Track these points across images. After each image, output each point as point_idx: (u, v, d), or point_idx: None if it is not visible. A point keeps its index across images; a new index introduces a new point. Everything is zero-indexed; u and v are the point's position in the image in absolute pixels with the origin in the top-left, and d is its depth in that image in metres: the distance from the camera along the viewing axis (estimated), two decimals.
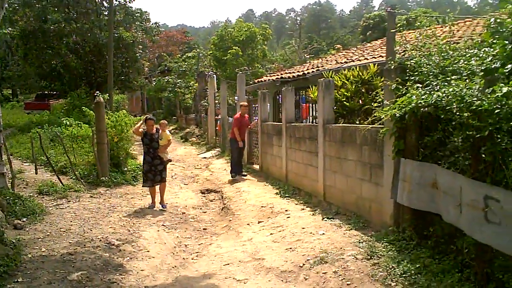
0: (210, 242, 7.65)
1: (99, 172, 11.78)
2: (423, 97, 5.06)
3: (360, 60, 11.68)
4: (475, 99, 4.27)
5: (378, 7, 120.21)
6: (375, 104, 8.49)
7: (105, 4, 26.23)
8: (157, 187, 9.89)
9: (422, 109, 5.11)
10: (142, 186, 10.25)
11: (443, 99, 4.67)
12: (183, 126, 28.98)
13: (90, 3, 25.61)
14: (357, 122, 8.45)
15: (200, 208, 10.24)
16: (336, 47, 40.94)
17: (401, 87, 5.78)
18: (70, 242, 6.95)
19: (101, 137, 11.97)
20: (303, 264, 5.86)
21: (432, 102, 4.82)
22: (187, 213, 9.67)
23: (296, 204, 8.91)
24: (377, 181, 6.57)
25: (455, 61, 5.50)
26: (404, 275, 4.96)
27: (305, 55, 35.77)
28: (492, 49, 5.28)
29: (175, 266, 6.55)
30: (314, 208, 8.37)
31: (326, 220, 7.41)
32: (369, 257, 5.58)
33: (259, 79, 18.51)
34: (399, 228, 5.94)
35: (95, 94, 18.82)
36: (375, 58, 10.63)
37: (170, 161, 10.44)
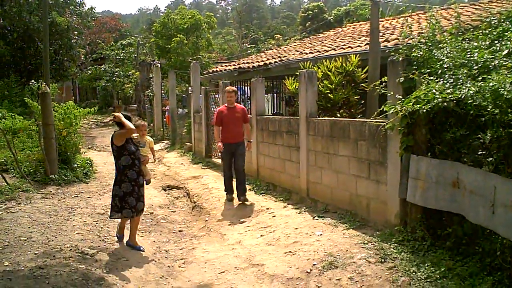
0: (192, 247, 7.05)
1: (47, 169, 10.70)
2: (447, 91, 4.78)
3: (327, 51, 11.41)
4: None
5: None
6: (356, 97, 8.33)
7: None
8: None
9: (441, 104, 4.84)
10: (112, 217, 6.62)
11: (476, 94, 4.41)
12: None
13: None
14: (338, 115, 8.17)
15: (168, 207, 9.55)
16: (276, 37, 41.00)
17: (411, 80, 5.50)
18: (35, 254, 6.06)
19: (49, 131, 10.87)
20: (311, 270, 5.45)
21: (462, 97, 4.54)
22: (155, 213, 8.95)
23: (275, 201, 8.49)
24: (377, 178, 6.28)
25: (469, 53, 5.28)
26: (428, 280, 4.68)
27: (246, 44, 35.35)
28: (509, 42, 5.13)
29: (163, 276, 5.91)
30: (297, 205, 7.99)
31: (317, 219, 7.04)
32: (382, 260, 5.27)
33: (214, 69, 17.84)
34: (407, 227, 5.69)
35: (29, 83, 17.32)
36: (352, 48, 10.36)
37: (149, 182, 7.36)
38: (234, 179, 8.83)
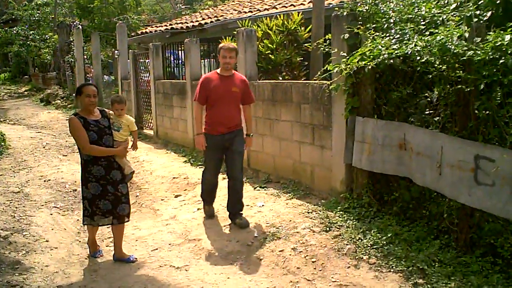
0: None
1: None
2: (393, 47, 4.85)
3: (268, 10, 11.33)
4: (466, 49, 4.13)
5: None
6: (299, 58, 8.35)
7: None
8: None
9: (387, 60, 4.90)
10: (84, 223, 5.50)
11: (423, 49, 4.49)
12: (40, 87, 26.44)
13: None
14: (280, 78, 8.17)
15: None
16: None
17: (357, 36, 5.54)
18: None
19: None
20: (252, 243, 5.48)
21: (409, 53, 4.61)
22: (79, 190, 8.59)
23: None
24: (322, 143, 6.35)
25: (416, 8, 5.37)
26: (375, 247, 4.83)
27: (180, 5, 34.49)
28: None
29: (88, 257, 5.73)
30: None
31: (259, 190, 7.06)
32: (327, 228, 5.37)
33: (143, 31, 17.30)
34: (353, 194, 5.80)
35: None
36: (294, 6, 10.33)
37: (133, 173, 5.68)
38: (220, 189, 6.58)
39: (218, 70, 6.00)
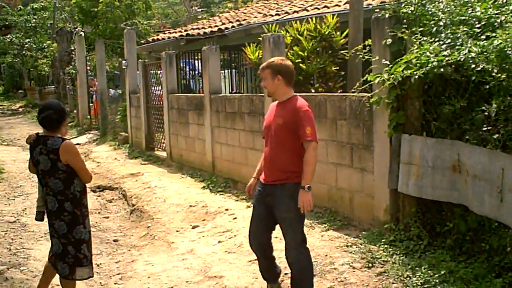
0: (131, 259, 7.05)
1: None
2: (444, 53, 4.94)
3: (297, 12, 11.54)
4: None
5: None
6: (335, 67, 8.48)
7: None
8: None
9: (436, 69, 4.99)
10: (80, 278, 4.99)
11: (478, 56, 4.57)
12: (36, 103, 27.11)
13: None
14: (313, 90, 8.30)
15: (99, 212, 9.49)
16: None
17: (401, 41, 5.65)
18: None
19: None
20: (282, 280, 5.54)
21: (462, 60, 4.70)
22: None
23: (237, 200, 8.57)
24: (362, 166, 6.43)
25: (470, 8, 5.46)
26: (426, 286, 4.84)
27: (195, 8, 35.16)
28: None
29: None
30: None
31: None
32: (370, 264, 5.42)
33: (155, 37, 17.71)
34: (399, 225, 5.85)
35: None
36: (328, 8, 10.52)
37: None
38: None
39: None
